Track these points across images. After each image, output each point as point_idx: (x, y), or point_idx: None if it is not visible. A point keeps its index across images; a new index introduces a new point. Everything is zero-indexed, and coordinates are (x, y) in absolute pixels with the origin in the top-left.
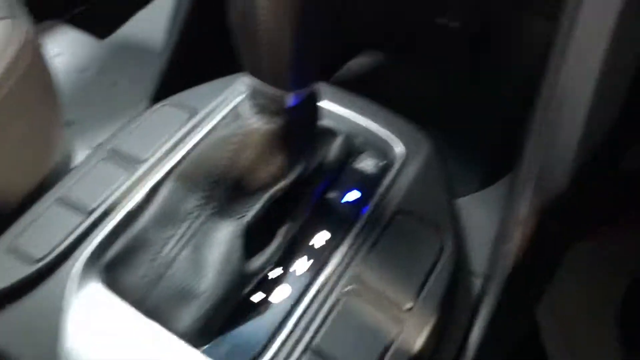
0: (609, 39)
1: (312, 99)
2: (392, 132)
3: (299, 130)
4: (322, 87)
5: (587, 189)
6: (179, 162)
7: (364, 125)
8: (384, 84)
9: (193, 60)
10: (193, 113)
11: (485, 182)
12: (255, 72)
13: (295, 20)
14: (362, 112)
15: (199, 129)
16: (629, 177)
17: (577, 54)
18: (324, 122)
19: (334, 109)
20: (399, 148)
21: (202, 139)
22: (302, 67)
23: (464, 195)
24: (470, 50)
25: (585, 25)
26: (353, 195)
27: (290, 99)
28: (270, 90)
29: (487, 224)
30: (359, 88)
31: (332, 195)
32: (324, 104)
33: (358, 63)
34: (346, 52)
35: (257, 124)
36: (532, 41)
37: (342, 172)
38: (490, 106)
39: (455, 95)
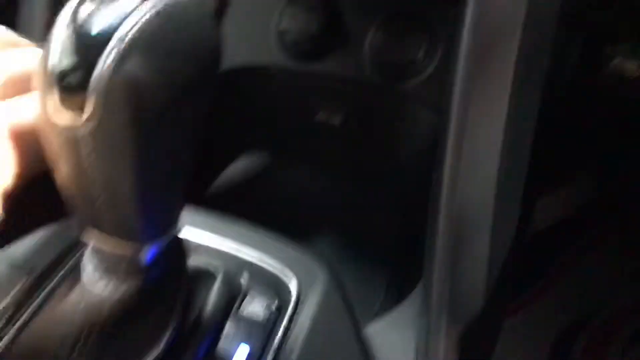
0: (502, 137)
1: (177, 243)
2: (281, 263)
3: (162, 286)
4: (189, 213)
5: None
6: (8, 349)
7: (247, 258)
8: (268, 189)
9: (28, 203)
10: (27, 273)
11: (393, 300)
12: (94, 225)
13: (137, 163)
14: (242, 241)
15: (33, 298)
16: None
17: (472, 157)
18: (196, 260)
19: (207, 241)
20: (291, 283)
21: (35, 314)
22: (158, 210)
23: (371, 321)
24: (354, 148)
25: (477, 132)
26: (243, 351)
27: (145, 254)
28: (117, 246)
29: (404, 351)
30: (239, 197)
31: (216, 355)
32: (194, 236)
33: (237, 167)
34: (223, 157)
35: (104, 291)
36: (419, 135)
37: (225, 324)
38: (384, 209)
39: (345, 199)
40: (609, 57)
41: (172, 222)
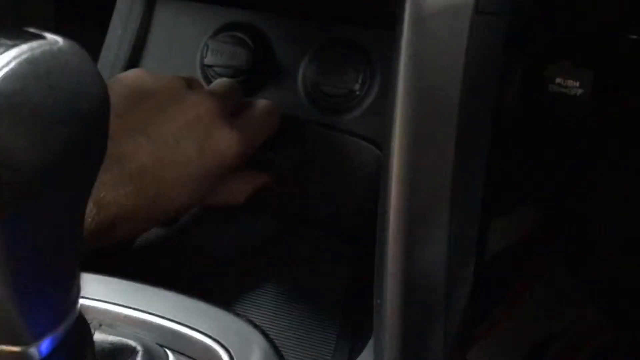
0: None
1: (80, 325)
2: (211, 331)
3: None
4: (102, 279)
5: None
6: None
7: (171, 327)
8: (204, 239)
9: None
10: None
11: None
12: None
13: (8, 256)
14: (166, 307)
15: None
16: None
17: (419, 208)
18: (114, 333)
19: (125, 310)
20: (223, 355)
21: None
22: (45, 304)
23: None
24: (300, 190)
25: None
26: None
27: (37, 350)
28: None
29: None
30: (169, 247)
31: None
32: (109, 306)
33: None
34: None
35: None
36: (367, 174)
37: None
38: (332, 259)
39: (289, 248)
40: (551, 77)
41: (68, 309)
